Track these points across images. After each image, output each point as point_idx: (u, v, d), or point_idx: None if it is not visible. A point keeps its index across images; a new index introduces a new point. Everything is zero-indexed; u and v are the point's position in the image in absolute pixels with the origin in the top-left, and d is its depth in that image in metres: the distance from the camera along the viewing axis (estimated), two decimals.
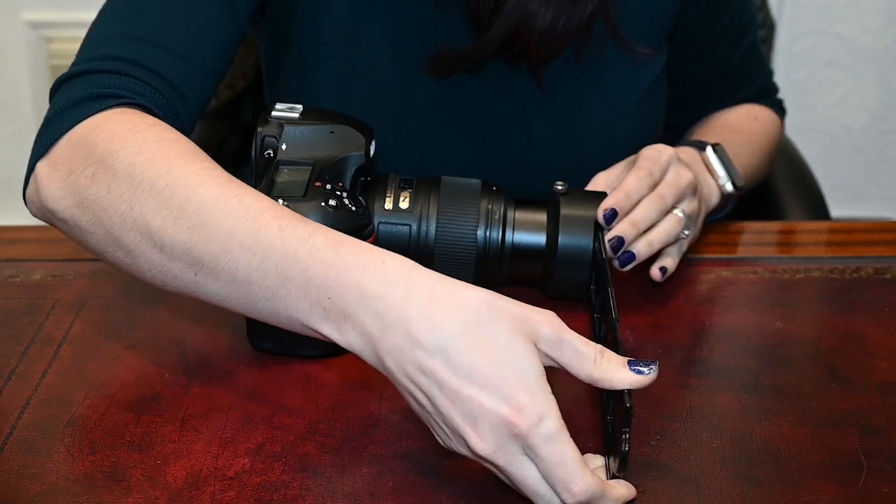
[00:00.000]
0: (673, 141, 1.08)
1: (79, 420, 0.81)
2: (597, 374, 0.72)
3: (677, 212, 0.95)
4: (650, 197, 0.94)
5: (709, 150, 1.06)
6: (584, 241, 0.91)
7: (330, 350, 0.88)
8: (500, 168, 1.07)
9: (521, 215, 0.93)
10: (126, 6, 0.93)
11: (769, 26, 1.50)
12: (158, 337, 0.91)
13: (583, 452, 0.78)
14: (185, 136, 0.84)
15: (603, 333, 0.87)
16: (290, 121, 0.89)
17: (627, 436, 0.71)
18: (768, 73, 1.25)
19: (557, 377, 0.87)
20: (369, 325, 0.70)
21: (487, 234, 0.91)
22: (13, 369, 0.87)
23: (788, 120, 1.30)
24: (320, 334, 0.73)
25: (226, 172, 0.79)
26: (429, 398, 0.70)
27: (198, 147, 0.83)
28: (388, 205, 0.91)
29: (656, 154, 0.96)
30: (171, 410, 0.82)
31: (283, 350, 0.88)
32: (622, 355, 0.74)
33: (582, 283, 0.92)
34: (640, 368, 0.73)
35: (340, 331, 0.72)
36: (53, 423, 0.81)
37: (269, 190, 0.85)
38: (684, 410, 0.84)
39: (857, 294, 0.99)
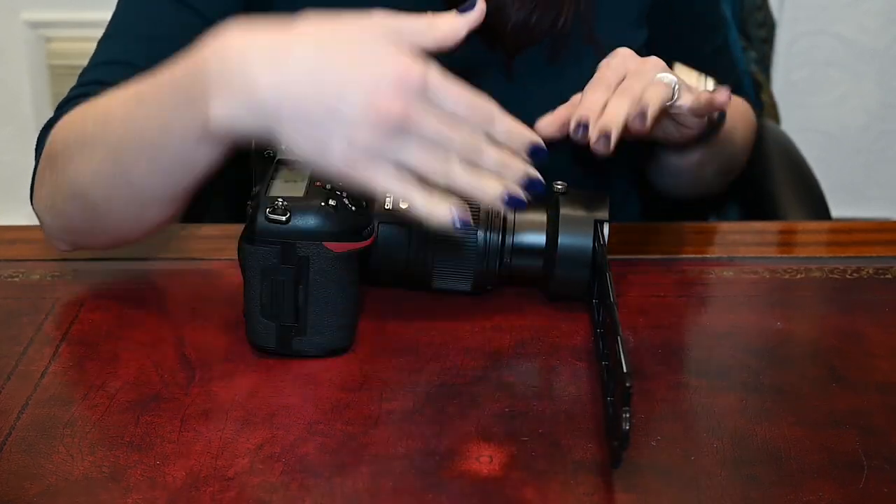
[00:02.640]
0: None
1: (78, 420, 0.81)
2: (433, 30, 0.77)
3: (660, 76, 0.91)
4: (616, 94, 0.88)
5: (676, 64, 1.01)
6: (584, 240, 0.91)
7: (330, 350, 0.88)
8: None
9: (521, 215, 0.93)
10: (114, 32, 1.04)
11: (769, 26, 1.50)
12: (158, 337, 0.91)
13: (583, 453, 0.79)
14: None
15: (602, 318, 0.87)
16: None
17: (628, 415, 0.73)
18: (740, 77, 1.23)
19: (557, 377, 0.88)
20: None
21: (487, 234, 0.91)
22: (12, 369, 0.87)
23: (788, 120, 1.30)
24: (210, 134, 0.78)
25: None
26: (316, 112, 0.74)
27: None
28: (388, 205, 0.91)
29: (607, 60, 0.92)
30: (171, 410, 0.82)
31: (283, 350, 0.88)
32: (621, 337, 0.77)
33: (582, 283, 0.92)
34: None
35: (227, 93, 0.75)
36: (53, 424, 0.81)
37: (269, 190, 0.85)
38: (684, 411, 0.84)
39: (857, 294, 0.99)
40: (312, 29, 0.76)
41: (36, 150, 0.99)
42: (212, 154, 0.81)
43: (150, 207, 0.88)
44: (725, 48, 1.21)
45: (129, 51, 1.02)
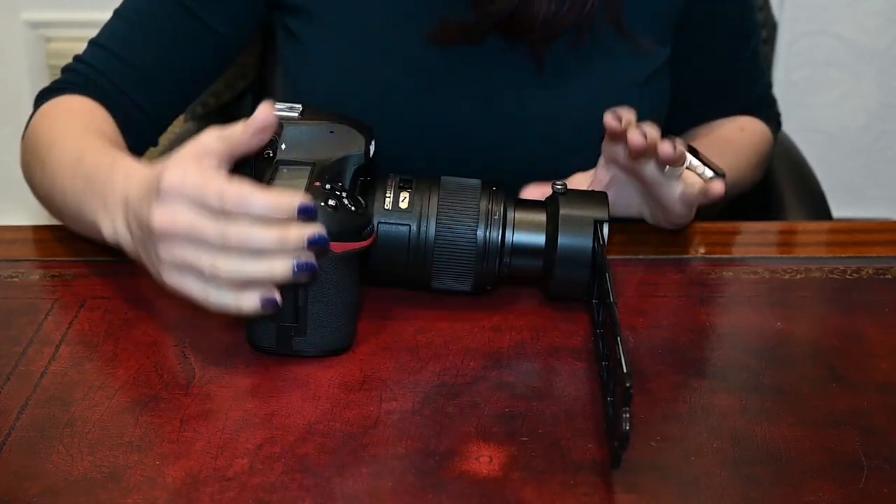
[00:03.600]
0: None
1: (78, 420, 0.81)
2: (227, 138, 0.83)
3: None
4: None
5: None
6: (584, 240, 0.91)
7: (330, 350, 0.88)
8: (493, 140, 1.08)
9: (521, 215, 0.93)
10: (124, 13, 1.11)
11: (769, 26, 1.50)
12: (157, 337, 0.91)
13: (583, 453, 0.79)
14: (133, 123, 1.08)
15: (601, 318, 0.87)
16: (289, 120, 0.89)
17: (627, 415, 0.73)
18: (768, 83, 1.24)
19: (557, 377, 0.87)
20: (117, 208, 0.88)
21: (487, 233, 0.91)
22: (12, 369, 0.87)
23: (788, 120, 1.30)
24: (102, 233, 0.91)
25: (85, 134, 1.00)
26: (137, 235, 0.85)
27: (93, 120, 1.04)
28: (388, 204, 0.91)
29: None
30: (170, 411, 0.82)
31: (283, 350, 0.87)
32: (621, 338, 0.77)
33: (582, 283, 0.92)
34: None
35: (107, 218, 0.89)
36: (52, 424, 0.81)
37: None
38: (684, 411, 0.84)
39: (857, 294, 0.99)
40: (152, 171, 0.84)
41: (34, 105, 1.10)
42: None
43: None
44: (757, 55, 1.21)
45: (127, 46, 1.10)
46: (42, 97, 1.10)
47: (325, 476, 0.76)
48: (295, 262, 0.80)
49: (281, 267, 0.80)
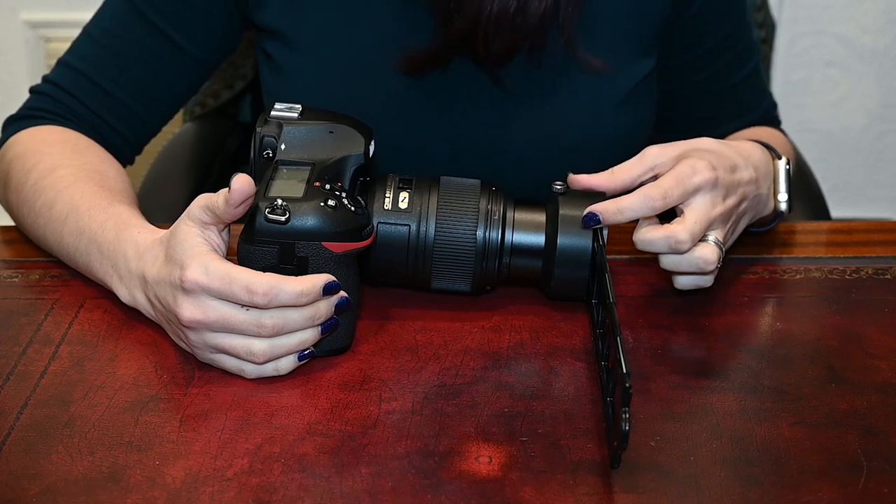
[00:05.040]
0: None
1: (77, 420, 0.81)
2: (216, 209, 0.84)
3: (710, 240, 0.91)
4: (661, 230, 0.89)
5: (782, 162, 1.02)
6: (583, 241, 0.91)
7: (330, 350, 0.88)
8: (477, 163, 1.08)
9: (521, 215, 0.93)
10: (94, 33, 1.10)
11: (769, 26, 1.50)
12: (157, 337, 0.91)
13: (583, 453, 0.79)
14: (109, 144, 1.08)
15: (601, 318, 0.87)
16: (289, 121, 0.89)
17: (627, 415, 0.73)
18: (772, 102, 1.23)
19: (557, 377, 0.87)
20: (138, 283, 0.90)
21: (486, 234, 0.91)
22: (12, 369, 0.87)
23: (788, 120, 1.30)
24: (116, 294, 0.92)
25: (72, 177, 0.99)
26: (162, 313, 0.88)
27: (76, 153, 1.03)
28: (388, 205, 0.91)
29: (688, 173, 0.90)
30: (170, 411, 0.82)
31: None
32: (621, 338, 0.78)
33: (581, 283, 0.92)
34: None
35: (123, 287, 0.91)
36: (52, 424, 0.81)
37: (268, 190, 0.85)
38: (684, 411, 0.84)
39: (856, 294, 0.99)
40: (162, 248, 0.87)
41: (2, 131, 1.09)
42: None
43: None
44: (757, 73, 1.19)
45: (97, 66, 1.09)
46: (9, 125, 1.09)
47: (324, 476, 0.76)
48: (321, 328, 0.85)
49: (311, 335, 0.85)
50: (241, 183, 0.82)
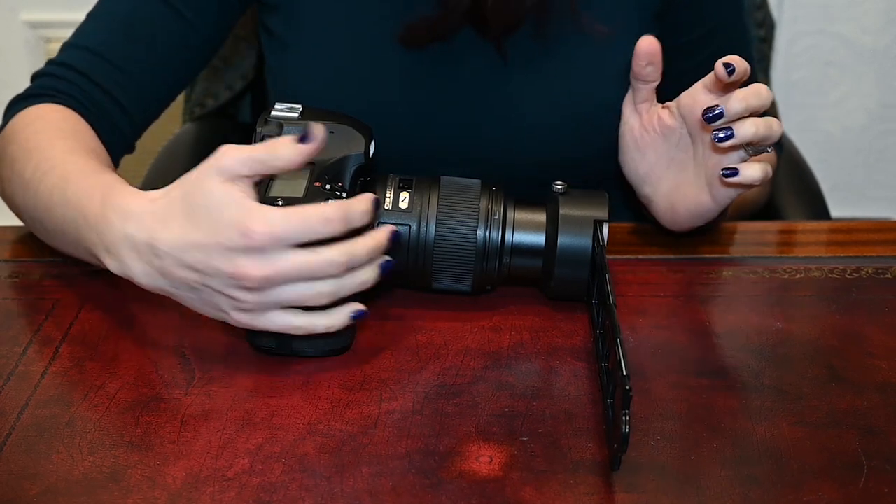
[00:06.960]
0: None
1: (78, 420, 0.81)
2: (274, 160, 0.80)
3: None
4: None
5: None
6: (584, 240, 0.91)
7: (330, 350, 0.88)
8: (483, 134, 1.08)
9: (521, 215, 0.93)
10: (100, 13, 1.09)
11: (769, 26, 1.50)
12: (158, 337, 0.91)
13: (583, 453, 0.79)
14: (115, 127, 1.05)
15: (601, 319, 0.87)
16: (289, 121, 0.89)
17: (627, 417, 0.73)
18: (772, 108, 1.22)
19: (557, 377, 0.88)
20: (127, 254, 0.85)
21: (487, 233, 0.91)
22: (12, 370, 0.87)
23: (788, 120, 1.30)
24: (106, 267, 0.87)
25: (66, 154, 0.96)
26: (196, 281, 0.82)
27: (74, 133, 1.00)
28: (388, 204, 0.91)
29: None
30: (171, 411, 0.82)
31: (283, 350, 0.87)
32: (621, 339, 0.78)
33: (582, 283, 0.92)
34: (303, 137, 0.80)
35: (116, 262, 0.86)
36: (53, 424, 0.81)
37: (268, 190, 0.85)
38: (684, 411, 0.84)
39: (856, 294, 0.99)
40: (177, 208, 0.82)
41: (5, 113, 1.05)
42: None
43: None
44: (753, 76, 1.19)
45: (105, 42, 1.07)
46: (14, 105, 1.07)
47: (325, 476, 0.76)
48: (381, 265, 0.84)
49: (371, 275, 0.83)
50: (321, 130, 0.80)
